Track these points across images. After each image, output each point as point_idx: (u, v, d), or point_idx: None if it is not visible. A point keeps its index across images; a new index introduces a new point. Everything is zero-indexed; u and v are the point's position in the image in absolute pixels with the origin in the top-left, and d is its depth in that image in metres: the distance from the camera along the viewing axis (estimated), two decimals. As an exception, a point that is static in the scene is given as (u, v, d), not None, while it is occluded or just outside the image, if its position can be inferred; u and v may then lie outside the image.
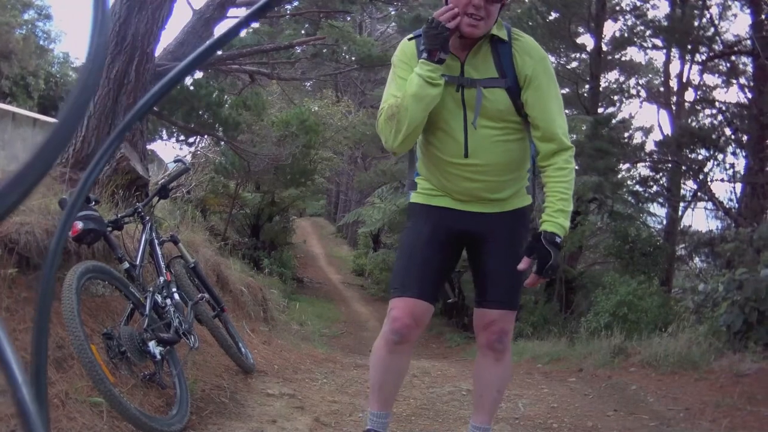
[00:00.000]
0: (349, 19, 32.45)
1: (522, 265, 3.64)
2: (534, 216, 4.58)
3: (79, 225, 4.70)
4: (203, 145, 23.54)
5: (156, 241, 5.67)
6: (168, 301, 5.21)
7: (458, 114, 3.71)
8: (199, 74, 18.04)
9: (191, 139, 21.59)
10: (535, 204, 4.23)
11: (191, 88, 16.33)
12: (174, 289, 5.42)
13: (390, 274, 4.76)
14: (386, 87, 3.86)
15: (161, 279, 5.38)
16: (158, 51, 13.54)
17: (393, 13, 36.09)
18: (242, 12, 20.88)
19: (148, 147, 21.34)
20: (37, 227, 5.25)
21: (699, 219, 73.71)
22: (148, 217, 5.69)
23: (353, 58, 22.01)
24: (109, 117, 11.30)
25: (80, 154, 11.11)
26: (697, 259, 21.62)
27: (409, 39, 3.86)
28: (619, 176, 21.54)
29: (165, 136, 20.82)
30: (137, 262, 5.26)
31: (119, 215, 5.47)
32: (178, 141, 21.38)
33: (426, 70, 3.53)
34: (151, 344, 4.64)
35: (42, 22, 38.93)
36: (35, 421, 0.72)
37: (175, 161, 7.70)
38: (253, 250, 23.56)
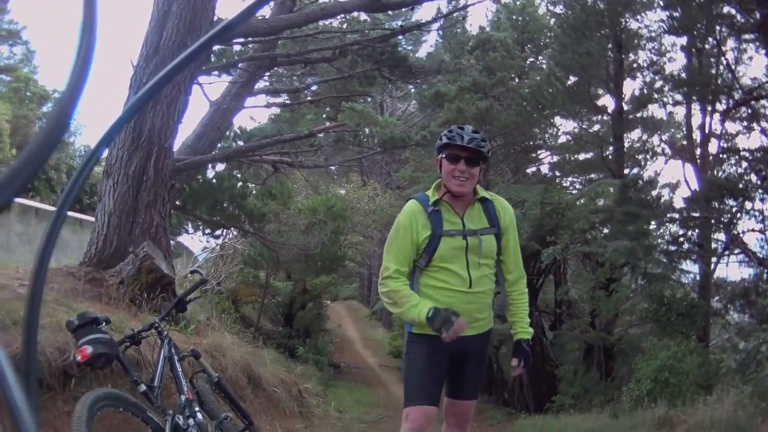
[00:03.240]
0: (369, 100, 32.60)
1: (514, 363, 5.15)
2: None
3: (89, 350, 4.58)
4: (230, 236, 23.48)
5: (176, 357, 5.54)
6: (190, 421, 5.08)
7: (461, 256, 4.96)
8: (221, 166, 18.00)
9: (218, 232, 21.54)
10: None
11: (214, 181, 16.25)
12: (196, 408, 5.31)
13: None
14: (389, 246, 5.06)
15: (183, 398, 5.25)
16: (177, 145, 13.47)
17: (413, 90, 36.28)
18: (260, 100, 20.97)
19: (176, 240, 21.33)
20: (47, 346, 5.07)
21: (733, 270, 72.78)
22: (165, 332, 5.57)
23: (376, 141, 21.92)
24: (130, 214, 11.18)
25: (102, 252, 10.97)
26: (732, 312, 21.18)
27: (413, 201, 5.19)
28: (650, 237, 21.23)
29: (191, 230, 20.76)
30: (155, 383, 5.14)
31: (136, 330, 5.43)
32: (204, 234, 21.32)
33: (427, 324, 4.73)
34: (173, 475, 4.43)
35: (61, 116, 39.36)
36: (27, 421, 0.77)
37: (191, 272, 7.74)
38: (287, 339, 23.30)
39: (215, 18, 12.99)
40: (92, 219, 10.94)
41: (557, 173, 32.73)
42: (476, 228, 5.01)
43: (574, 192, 28.77)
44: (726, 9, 19.64)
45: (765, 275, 17.94)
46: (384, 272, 5.00)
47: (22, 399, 0.77)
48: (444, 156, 4.97)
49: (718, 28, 20.48)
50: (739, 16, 19.48)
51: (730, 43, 22.65)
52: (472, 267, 4.95)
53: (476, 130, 5.03)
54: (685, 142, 26.17)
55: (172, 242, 14.89)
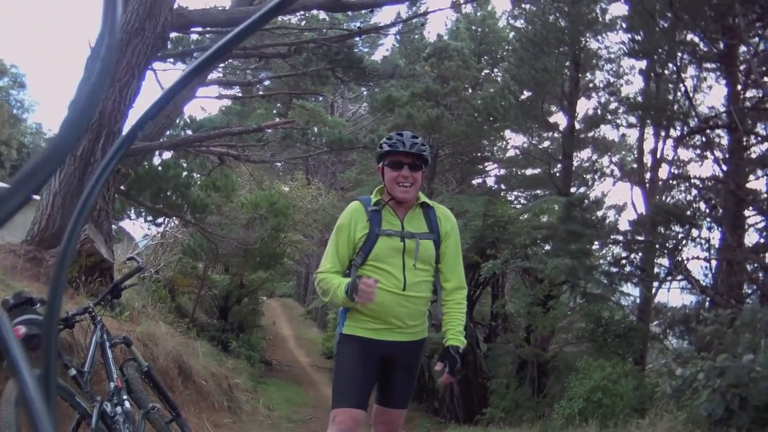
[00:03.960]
0: (321, 99, 32.53)
1: (438, 368, 4.99)
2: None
3: (22, 330, 4.56)
4: (172, 225, 23.29)
5: (107, 344, 5.53)
6: (118, 409, 5.06)
7: (398, 257, 4.97)
8: (167, 155, 17.85)
9: (159, 220, 21.35)
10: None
11: (159, 168, 16.09)
12: (125, 396, 5.28)
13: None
14: (328, 246, 5.16)
15: (112, 385, 5.23)
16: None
17: (365, 93, 36.27)
18: (212, 90, 20.83)
19: (118, 225, 21.11)
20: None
21: (674, 294, 73.35)
22: (99, 318, 5.57)
23: (323, 140, 21.87)
24: (75, 196, 11.04)
25: (45, 232, 10.83)
26: (671, 337, 21.35)
27: (356, 201, 5.27)
28: (592, 257, 21.33)
29: (133, 216, 20.56)
30: (86, 368, 5.12)
31: (70, 313, 5.38)
32: (146, 221, 21.13)
33: (348, 300, 4.72)
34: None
35: (16, 91, 38.88)
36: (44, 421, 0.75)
37: (128, 259, 7.69)
38: (221, 332, 23.10)
39: (175, 5, 12.87)
40: (38, 197, 10.78)
41: (503, 186, 32.90)
42: (415, 232, 5.05)
43: (519, 206, 28.92)
44: (690, 36, 19.84)
45: (707, 303, 18.15)
46: (318, 270, 5.12)
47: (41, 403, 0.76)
48: (386, 163, 5.08)
49: (679, 54, 20.68)
50: (702, 45, 19.68)
51: (691, 70, 22.95)
52: (407, 270, 4.97)
53: (415, 135, 5.15)
54: (635, 165, 26.43)
55: (114, 227, 14.73)
